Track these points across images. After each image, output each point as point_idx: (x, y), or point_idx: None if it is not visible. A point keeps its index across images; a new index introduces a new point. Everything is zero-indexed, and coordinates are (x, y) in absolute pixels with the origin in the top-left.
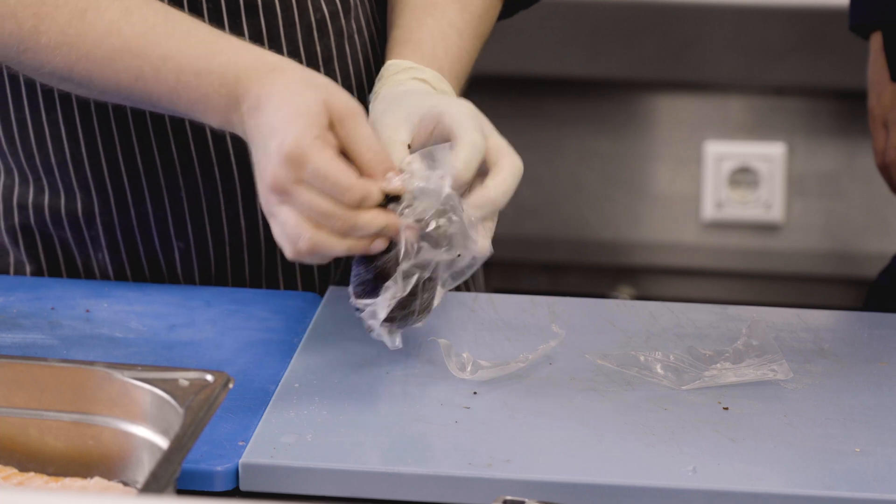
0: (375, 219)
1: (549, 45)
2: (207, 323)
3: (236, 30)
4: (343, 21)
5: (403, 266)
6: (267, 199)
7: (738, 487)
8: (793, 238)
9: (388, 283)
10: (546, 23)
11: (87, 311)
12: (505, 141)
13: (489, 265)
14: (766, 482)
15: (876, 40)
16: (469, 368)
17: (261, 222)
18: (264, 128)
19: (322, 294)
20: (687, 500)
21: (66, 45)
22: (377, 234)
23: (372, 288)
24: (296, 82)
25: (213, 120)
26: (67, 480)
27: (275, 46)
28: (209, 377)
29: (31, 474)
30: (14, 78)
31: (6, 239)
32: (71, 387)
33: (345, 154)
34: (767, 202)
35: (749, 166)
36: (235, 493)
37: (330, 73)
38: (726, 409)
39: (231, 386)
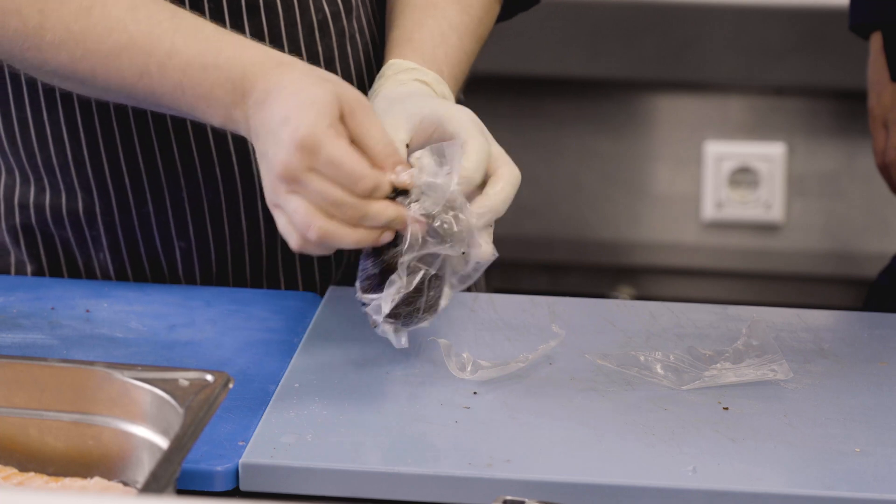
0: (386, 209)
1: (549, 45)
2: (207, 323)
3: (238, 29)
4: (345, 21)
5: (408, 257)
6: (274, 189)
7: (738, 487)
8: (793, 238)
9: (393, 277)
10: (546, 23)
11: (87, 311)
12: (503, 150)
13: (489, 265)
14: (766, 482)
15: (876, 40)
16: (469, 368)
17: (262, 222)
18: (275, 117)
19: (323, 294)
20: (687, 500)
21: (71, 42)
22: (385, 226)
23: (378, 283)
24: (305, 76)
25: (215, 117)
26: (67, 480)
27: (276, 46)
28: (209, 377)
29: (31, 474)
30: (15, 77)
31: (7, 239)
32: (71, 387)
33: (354, 146)
34: (767, 202)
35: (749, 166)
36: (235, 493)
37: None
38: (726, 409)
39: (231, 386)
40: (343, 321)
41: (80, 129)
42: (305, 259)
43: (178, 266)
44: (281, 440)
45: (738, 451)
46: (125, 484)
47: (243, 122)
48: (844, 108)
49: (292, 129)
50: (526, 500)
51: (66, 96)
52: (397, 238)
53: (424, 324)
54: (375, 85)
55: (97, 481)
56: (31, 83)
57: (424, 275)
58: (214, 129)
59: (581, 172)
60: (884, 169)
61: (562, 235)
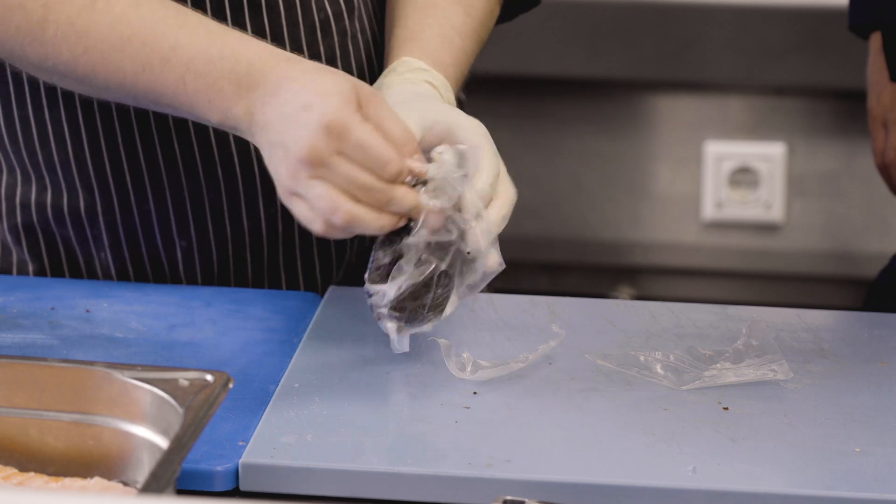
0: (409, 195)
1: (549, 45)
2: (207, 323)
3: (240, 28)
4: (347, 21)
5: (419, 238)
6: (294, 176)
7: (738, 487)
8: (793, 238)
9: (402, 262)
10: (546, 23)
11: (87, 311)
12: (504, 166)
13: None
14: (766, 482)
15: (875, 40)
16: (469, 368)
17: (263, 221)
18: (293, 105)
19: (323, 294)
20: (687, 500)
21: (73, 36)
22: (406, 213)
23: (387, 273)
24: (315, 69)
25: (214, 114)
26: (67, 480)
27: (278, 45)
28: (209, 377)
29: (31, 474)
30: (17, 75)
31: (9, 238)
32: (71, 387)
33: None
34: (767, 202)
35: (749, 166)
36: (235, 493)
37: None
38: (726, 409)
39: (231, 386)
40: (343, 321)
41: (82, 128)
42: (307, 259)
43: (180, 265)
44: (281, 440)
45: (738, 451)
46: (125, 484)
47: (245, 117)
48: (844, 108)
49: (319, 114)
50: (526, 500)
51: (68, 95)
52: (411, 227)
53: (427, 326)
54: (383, 80)
55: (97, 481)
56: (33, 81)
57: (434, 269)
58: (216, 129)
59: (581, 172)
60: (883, 169)
61: (562, 235)
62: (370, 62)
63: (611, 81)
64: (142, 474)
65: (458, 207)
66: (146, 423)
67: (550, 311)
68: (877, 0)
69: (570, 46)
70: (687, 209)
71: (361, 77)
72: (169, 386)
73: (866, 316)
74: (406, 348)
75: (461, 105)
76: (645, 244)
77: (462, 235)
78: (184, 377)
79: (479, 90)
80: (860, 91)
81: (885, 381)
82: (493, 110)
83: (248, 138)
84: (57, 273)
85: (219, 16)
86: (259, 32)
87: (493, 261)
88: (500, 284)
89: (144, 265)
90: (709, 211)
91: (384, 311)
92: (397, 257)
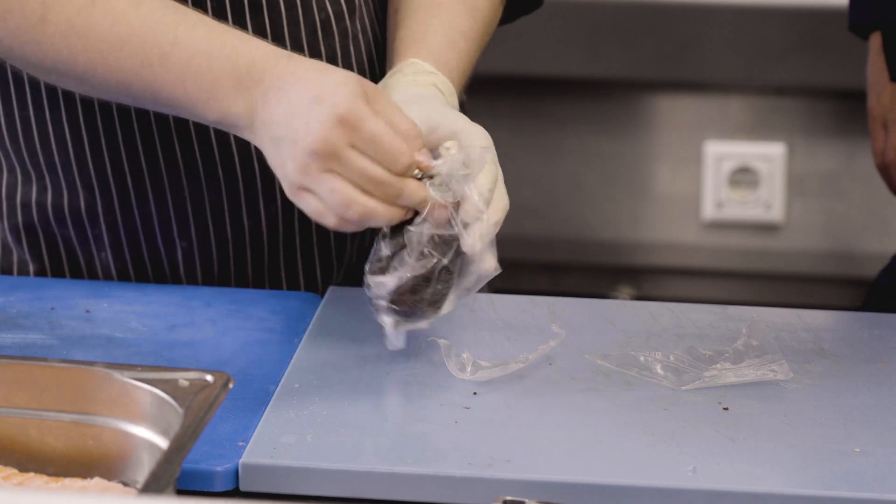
0: (419, 189)
1: (549, 45)
2: (207, 323)
3: (240, 27)
4: (348, 21)
5: (421, 229)
6: (304, 169)
7: (738, 487)
8: (793, 238)
9: (405, 254)
10: (546, 23)
11: (87, 311)
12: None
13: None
14: (766, 482)
15: (875, 40)
16: (469, 368)
17: (264, 222)
18: (301, 99)
19: (324, 294)
20: (687, 500)
21: (72, 34)
22: (414, 206)
23: (389, 265)
24: (318, 65)
25: (213, 110)
26: (67, 480)
27: (279, 45)
28: (209, 377)
29: (31, 474)
30: (18, 76)
31: (10, 238)
32: (71, 387)
33: None
34: (767, 202)
35: (749, 166)
36: (235, 493)
37: None
38: (726, 409)
39: (231, 386)
40: (343, 321)
41: (83, 128)
42: (307, 259)
43: (180, 265)
44: (281, 440)
45: (738, 451)
46: (125, 484)
47: (245, 114)
48: (844, 108)
49: (330, 106)
50: (526, 500)
51: (69, 95)
52: (415, 220)
53: (423, 323)
54: (389, 80)
55: (97, 481)
56: (34, 81)
57: (437, 263)
58: (217, 129)
59: (581, 172)
60: (883, 169)
61: (562, 235)
62: (371, 63)
63: (611, 81)
64: (142, 474)
65: (456, 207)
66: (146, 424)
67: (550, 311)
68: (877, 0)
69: (570, 46)
70: (687, 209)
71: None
72: (169, 386)
73: (866, 316)
74: (401, 345)
75: (461, 106)
76: (645, 244)
77: (460, 235)
78: (184, 377)
79: (479, 90)
80: (860, 91)
81: (885, 381)
82: (493, 110)
83: (247, 136)
84: (57, 273)
85: (220, 15)
86: (260, 32)
87: (489, 264)
88: (500, 284)
89: (145, 265)
90: (709, 211)
91: (383, 303)
92: (399, 249)
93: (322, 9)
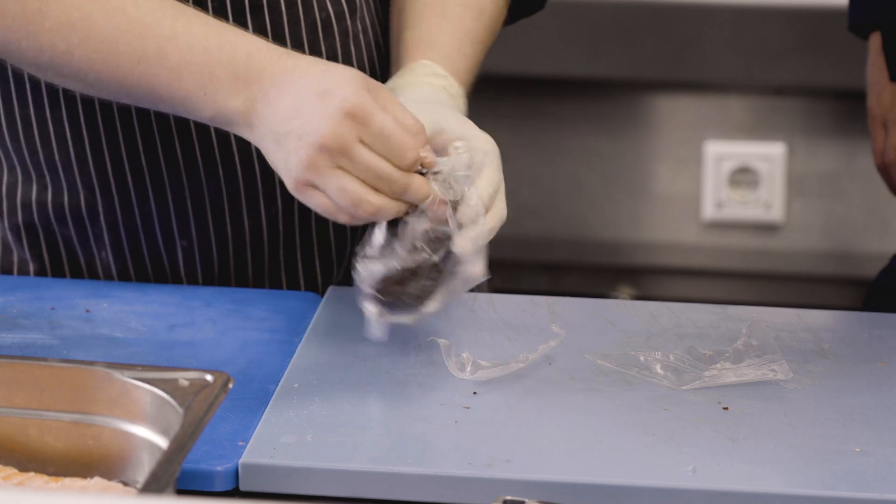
0: (424, 185)
1: (549, 45)
2: (207, 323)
3: (241, 26)
4: (349, 21)
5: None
6: (312, 165)
7: (738, 487)
8: (793, 238)
9: (397, 245)
10: (546, 23)
11: (87, 311)
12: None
13: (489, 265)
14: (766, 482)
15: (875, 40)
16: (469, 368)
17: (264, 221)
18: (306, 93)
19: (324, 294)
20: (687, 500)
21: (70, 28)
22: (417, 202)
23: (379, 253)
24: (320, 62)
25: (209, 106)
26: (67, 480)
27: (279, 44)
28: (209, 377)
29: (31, 474)
30: (18, 75)
31: (10, 237)
32: (71, 387)
33: None
34: (767, 202)
35: (749, 166)
36: (235, 493)
37: None
38: (726, 409)
39: (231, 386)
40: (343, 321)
41: (83, 127)
42: (307, 258)
43: (180, 265)
44: (281, 440)
45: (738, 451)
46: (125, 484)
47: (243, 110)
48: (844, 108)
49: (339, 100)
50: (526, 500)
51: (70, 93)
52: (413, 212)
53: (407, 318)
54: (398, 80)
55: (97, 481)
56: (35, 80)
57: (427, 259)
58: (217, 128)
59: (581, 172)
60: (883, 169)
61: (562, 235)
62: (372, 63)
63: (611, 81)
64: (142, 474)
65: (455, 206)
66: (146, 423)
67: (550, 311)
68: (877, 0)
69: (570, 46)
70: (687, 209)
71: None
72: (169, 386)
73: (866, 316)
74: (382, 336)
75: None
76: (645, 244)
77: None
78: (184, 377)
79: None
80: (860, 91)
81: (885, 381)
82: (493, 110)
83: (244, 133)
84: (58, 272)
85: (220, 14)
86: (260, 31)
87: (477, 269)
88: (500, 284)
89: (145, 264)
90: (709, 211)
91: (369, 290)
92: (392, 239)
93: (323, 8)
